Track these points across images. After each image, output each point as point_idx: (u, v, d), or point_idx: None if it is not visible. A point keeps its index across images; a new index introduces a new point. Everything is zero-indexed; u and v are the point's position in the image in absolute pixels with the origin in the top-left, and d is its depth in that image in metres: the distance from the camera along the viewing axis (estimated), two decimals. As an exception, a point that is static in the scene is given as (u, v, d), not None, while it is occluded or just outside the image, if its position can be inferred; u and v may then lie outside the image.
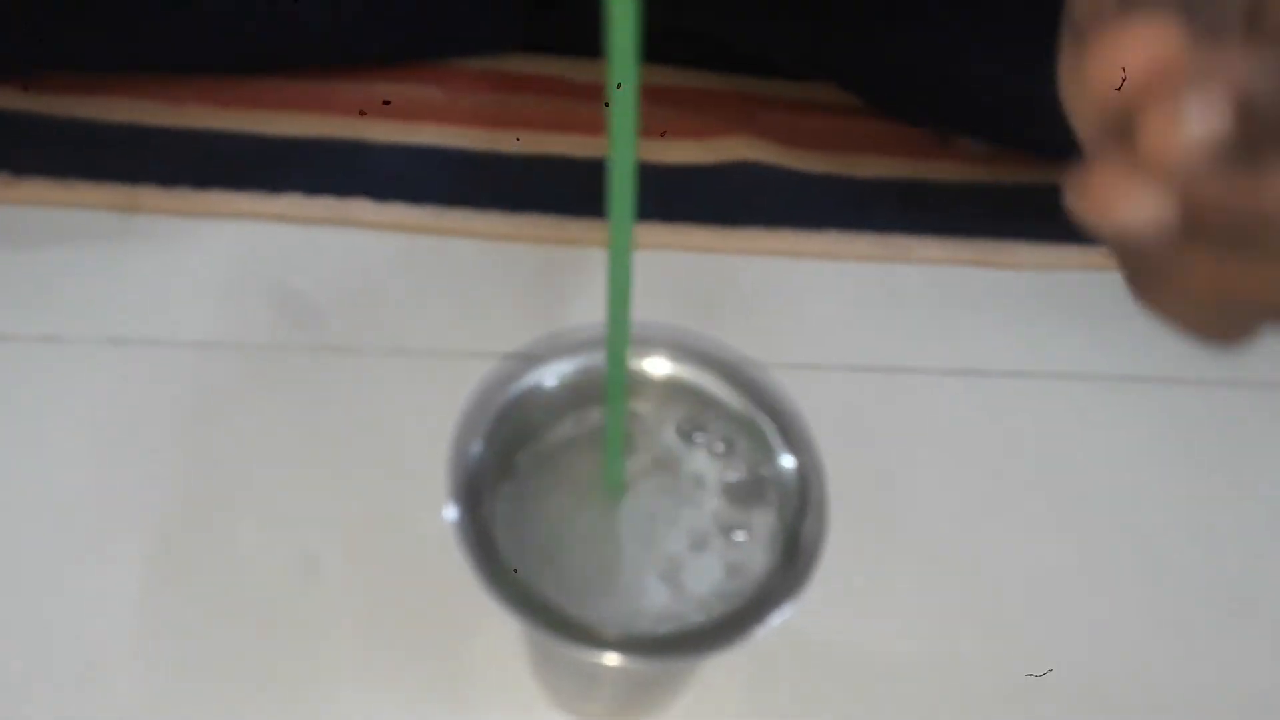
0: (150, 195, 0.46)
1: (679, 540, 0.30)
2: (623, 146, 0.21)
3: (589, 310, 0.45)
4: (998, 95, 0.48)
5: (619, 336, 0.26)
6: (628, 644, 0.26)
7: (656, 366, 0.31)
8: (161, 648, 0.35)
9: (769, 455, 0.30)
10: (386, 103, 0.50)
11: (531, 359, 0.31)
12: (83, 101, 0.49)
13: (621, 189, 0.21)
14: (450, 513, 0.28)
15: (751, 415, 0.31)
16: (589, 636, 0.26)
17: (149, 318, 0.43)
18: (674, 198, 0.49)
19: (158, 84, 0.50)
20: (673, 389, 0.32)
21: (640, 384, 0.31)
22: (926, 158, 0.53)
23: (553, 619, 0.27)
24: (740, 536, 0.29)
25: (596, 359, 0.32)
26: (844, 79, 0.52)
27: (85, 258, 0.44)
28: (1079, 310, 0.49)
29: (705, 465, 0.31)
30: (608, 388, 0.28)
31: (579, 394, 0.32)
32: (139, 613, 0.36)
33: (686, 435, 0.32)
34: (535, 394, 0.31)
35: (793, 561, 0.28)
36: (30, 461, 0.39)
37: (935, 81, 0.49)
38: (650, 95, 0.55)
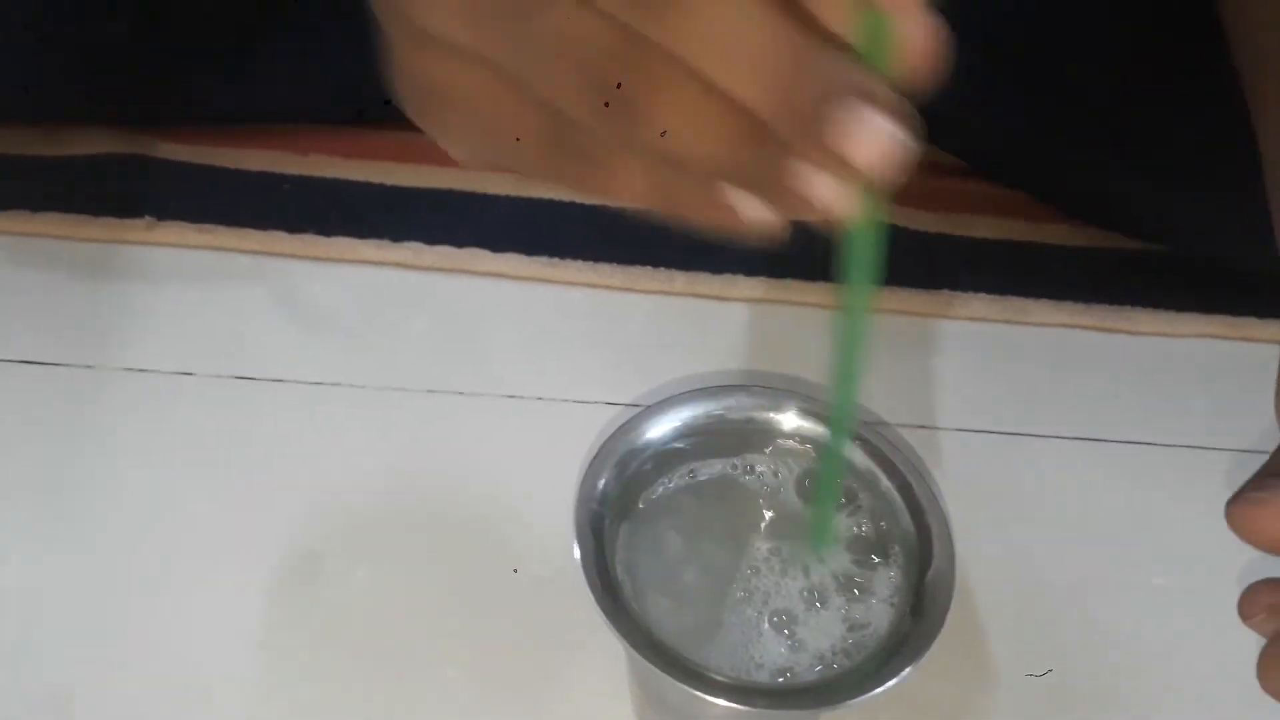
0: (279, 240, 0.48)
1: (798, 593, 0.29)
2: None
3: (693, 362, 0.46)
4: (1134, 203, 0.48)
5: (847, 390, 0.25)
6: (742, 690, 0.26)
7: (786, 420, 0.31)
8: (273, 683, 0.36)
9: (894, 513, 0.30)
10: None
11: (650, 410, 0.32)
12: (219, 151, 0.51)
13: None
14: (576, 550, 0.28)
15: (876, 472, 0.30)
16: (706, 681, 0.26)
17: (275, 356, 0.44)
18: (788, 255, 0.49)
19: (287, 136, 0.52)
20: (798, 443, 0.31)
21: (767, 436, 0.31)
22: (1040, 220, 0.53)
23: (670, 659, 0.26)
24: (862, 593, 0.29)
25: (710, 410, 0.32)
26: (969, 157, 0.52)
27: (218, 298, 0.46)
28: (1199, 379, 0.48)
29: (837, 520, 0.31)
30: (831, 438, 0.27)
31: (695, 447, 0.32)
32: (256, 649, 0.36)
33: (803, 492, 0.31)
34: (652, 444, 0.31)
35: (916, 621, 0.27)
36: (161, 492, 0.40)
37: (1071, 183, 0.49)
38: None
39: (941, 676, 0.37)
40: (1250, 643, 0.38)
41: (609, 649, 0.33)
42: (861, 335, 0.23)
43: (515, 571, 0.38)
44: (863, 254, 0.21)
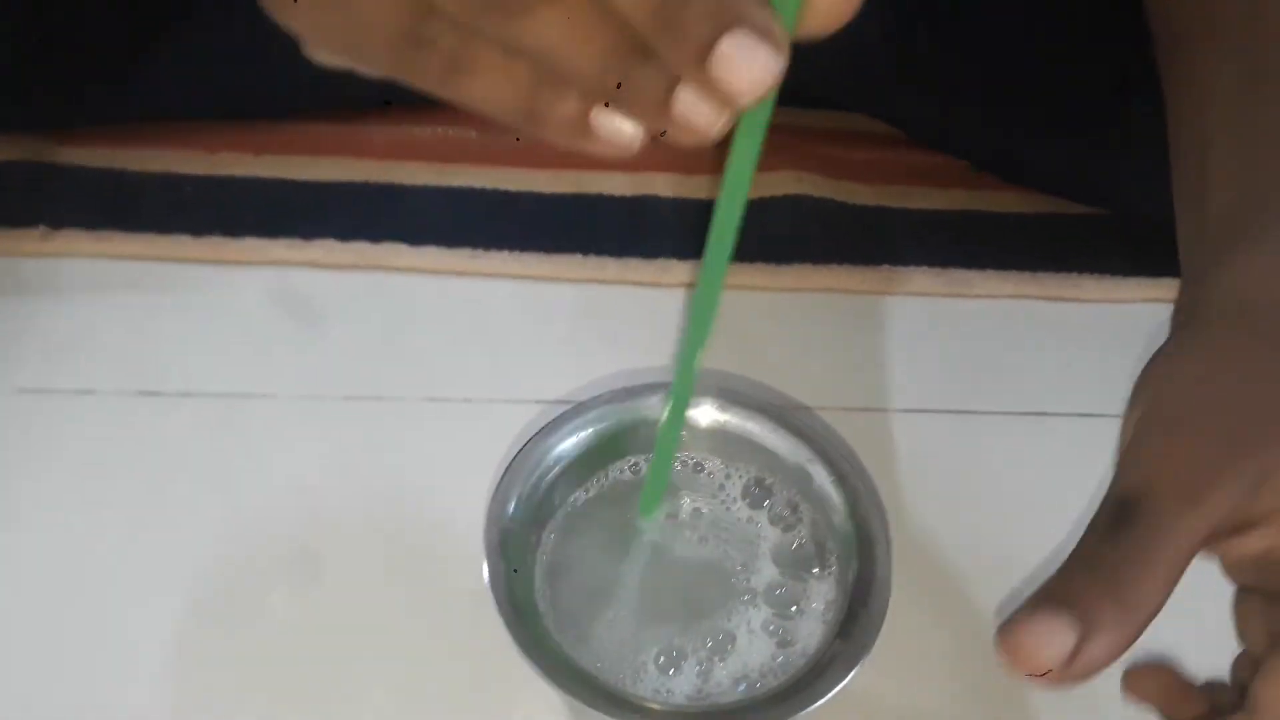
0: (183, 245, 0.45)
1: (726, 609, 0.27)
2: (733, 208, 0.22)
3: (628, 352, 0.44)
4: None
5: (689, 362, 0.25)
6: (665, 715, 0.24)
7: (703, 415, 0.30)
8: (191, 711, 0.34)
9: (829, 512, 0.28)
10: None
11: (563, 417, 0.30)
12: (116, 153, 0.48)
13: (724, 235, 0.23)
14: (486, 573, 0.26)
15: (807, 470, 0.29)
16: (628, 708, 0.24)
17: (182, 369, 0.42)
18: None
19: (190, 133, 0.49)
20: (727, 439, 0.30)
21: (692, 434, 0.30)
22: (983, 188, 0.51)
23: (588, 684, 0.25)
24: (794, 609, 0.27)
25: (628, 411, 0.30)
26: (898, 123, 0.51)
27: (119, 309, 0.43)
28: (1148, 345, 0.46)
29: (766, 531, 0.29)
30: (670, 407, 0.26)
31: (606, 452, 0.30)
32: (174, 674, 0.34)
33: (754, 500, 0.30)
34: (566, 453, 0.29)
35: (848, 636, 0.26)
36: (63, 519, 0.37)
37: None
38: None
39: (886, 671, 0.35)
40: (1207, 606, 0.37)
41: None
42: (719, 283, 0.23)
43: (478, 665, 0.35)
44: (732, 188, 0.21)
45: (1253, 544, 0.25)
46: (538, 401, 0.42)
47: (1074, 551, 0.24)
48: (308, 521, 0.38)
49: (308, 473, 0.39)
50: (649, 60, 0.19)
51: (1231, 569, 0.27)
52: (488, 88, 0.20)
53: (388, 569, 0.37)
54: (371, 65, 0.22)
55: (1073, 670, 0.22)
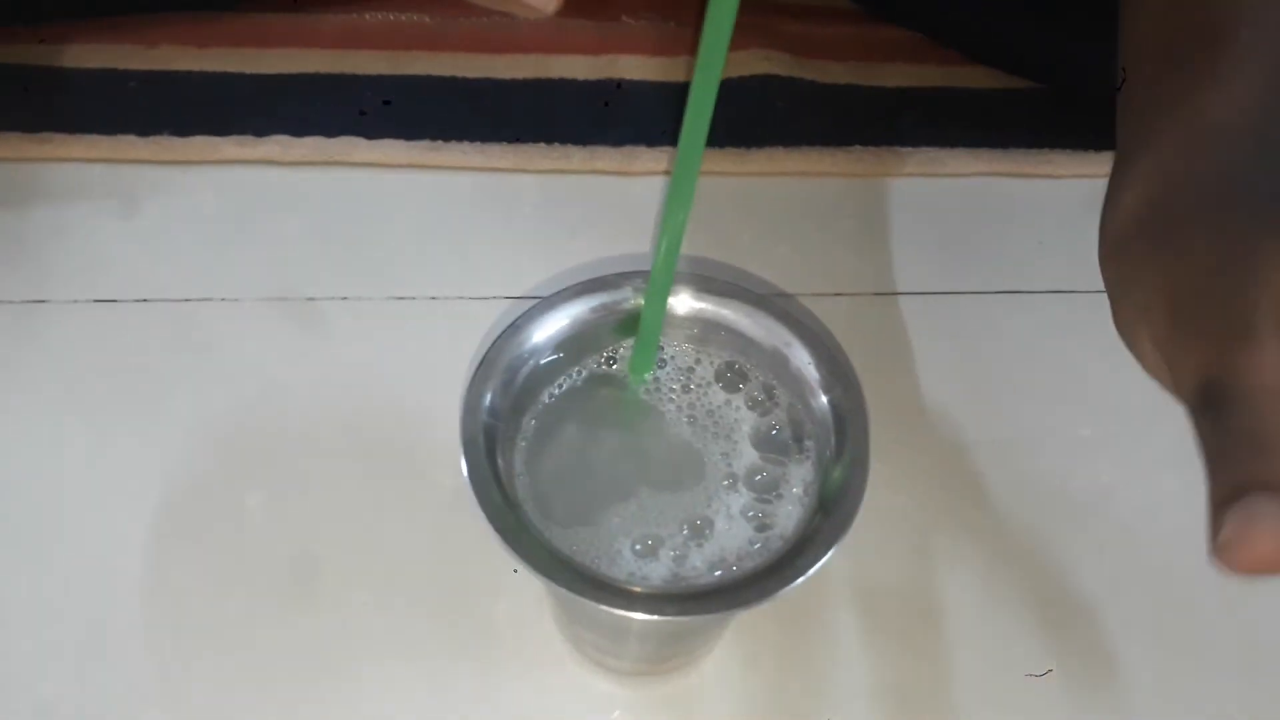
0: (129, 145, 0.43)
1: (706, 496, 0.27)
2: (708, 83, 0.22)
3: (596, 244, 0.43)
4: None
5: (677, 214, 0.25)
6: (650, 599, 0.24)
7: (680, 303, 0.29)
8: (170, 617, 0.33)
9: (805, 395, 0.28)
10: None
11: (536, 309, 0.29)
12: (53, 50, 0.46)
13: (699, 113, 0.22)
14: (464, 466, 0.26)
15: (783, 352, 0.28)
16: (610, 592, 0.24)
17: (138, 275, 0.40)
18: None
19: (130, 27, 0.47)
20: (703, 327, 0.29)
21: (669, 321, 0.29)
22: (955, 65, 0.50)
23: (573, 573, 0.25)
24: (773, 494, 0.27)
25: (601, 302, 0.29)
26: None
27: (66, 215, 0.42)
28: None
29: (742, 415, 0.29)
30: (656, 273, 0.26)
31: (587, 343, 0.29)
32: (145, 581, 0.34)
33: (729, 384, 0.29)
34: (541, 345, 0.29)
35: (828, 514, 0.26)
36: (25, 433, 0.37)
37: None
38: (652, 6, 0.51)
39: (866, 552, 0.36)
40: (1175, 490, 0.38)
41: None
42: (700, 140, 0.23)
43: (515, 572, 0.35)
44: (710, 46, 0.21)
45: None
46: (506, 298, 0.41)
47: (1206, 459, 0.22)
48: (278, 424, 0.37)
49: (275, 376, 0.38)
50: None
51: None
52: None
53: (362, 469, 0.37)
54: None
55: None
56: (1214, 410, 0.22)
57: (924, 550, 0.37)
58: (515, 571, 0.32)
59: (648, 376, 0.29)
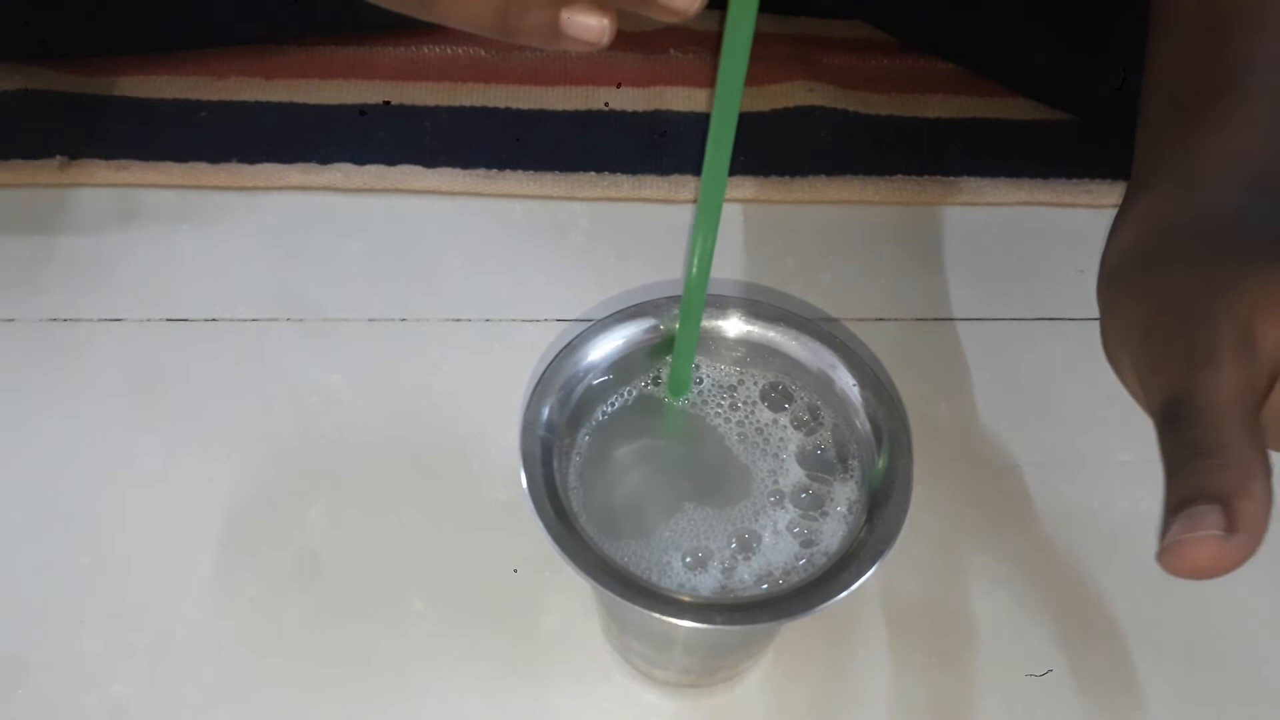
0: (200, 172, 0.45)
1: (753, 512, 0.28)
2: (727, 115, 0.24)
3: (645, 269, 0.44)
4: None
5: (707, 232, 0.26)
6: (699, 608, 0.25)
7: (731, 326, 0.30)
8: (235, 625, 0.35)
9: (849, 415, 0.29)
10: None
11: (592, 329, 0.30)
12: (130, 81, 0.49)
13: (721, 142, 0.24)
14: (524, 478, 0.27)
15: (829, 375, 0.29)
16: (661, 600, 0.25)
17: (206, 295, 0.42)
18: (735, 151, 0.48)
19: (201, 60, 0.49)
20: (750, 349, 0.30)
21: (717, 344, 0.30)
22: (995, 95, 0.51)
23: (625, 582, 0.26)
24: (819, 512, 0.28)
25: (653, 325, 0.31)
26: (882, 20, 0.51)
27: (141, 238, 0.44)
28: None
29: (789, 435, 0.30)
30: (688, 295, 0.27)
31: (632, 364, 0.31)
32: (213, 588, 0.35)
33: (774, 403, 0.30)
34: (596, 364, 0.30)
35: (870, 533, 0.26)
36: (99, 446, 0.38)
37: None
38: (699, 40, 0.52)
39: (908, 571, 0.36)
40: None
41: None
42: (726, 157, 0.24)
43: (515, 571, 0.36)
44: (728, 76, 0.23)
45: None
46: (557, 320, 0.42)
47: (1165, 470, 0.25)
48: (339, 440, 0.39)
49: (336, 393, 0.40)
50: None
51: None
52: (463, 7, 0.23)
53: (418, 482, 0.38)
54: None
55: (1242, 540, 0.22)
56: (1174, 426, 0.24)
57: (964, 570, 0.37)
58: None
59: (686, 396, 0.30)
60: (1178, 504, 0.23)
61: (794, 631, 0.35)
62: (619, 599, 0.25)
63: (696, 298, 0.28)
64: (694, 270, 0.27)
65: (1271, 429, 0.25)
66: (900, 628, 0.36)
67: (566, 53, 0.51)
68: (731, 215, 0.46)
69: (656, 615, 0.25)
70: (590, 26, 0.22)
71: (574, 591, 0.36)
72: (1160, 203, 0.30)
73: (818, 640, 0.35)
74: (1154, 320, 0.27)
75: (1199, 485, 0.23)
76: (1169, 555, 0.23)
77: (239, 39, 0.50)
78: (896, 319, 0.43)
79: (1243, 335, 0.24)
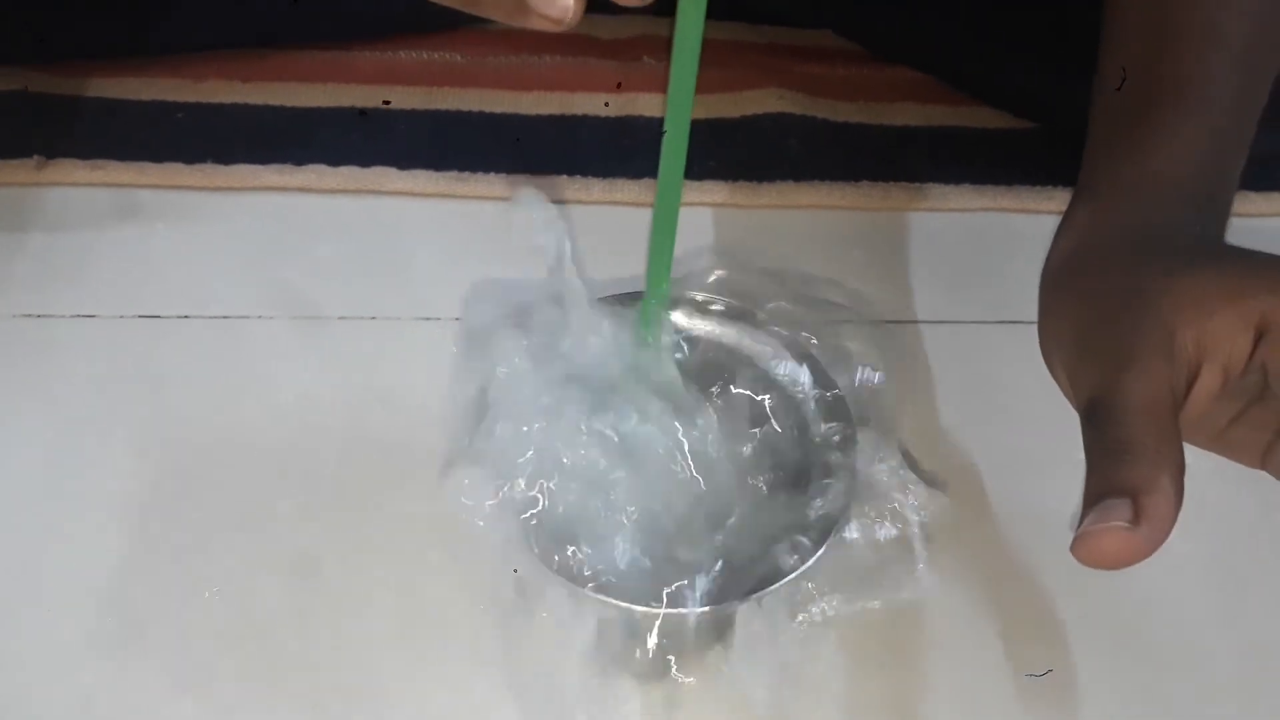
0: (176, 172, 0.46)
1: (722, 514, 0.29)
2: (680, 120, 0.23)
3: (615, 270, 0.45)
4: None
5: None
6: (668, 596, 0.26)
7: (695, 326, 0.31)
8: (204, 615, 0.35)
9: (807, 424, 0.30)
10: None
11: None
12: (108, 83, 0.49)
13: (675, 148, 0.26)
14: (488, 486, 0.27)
15: (791, 375, 0.30)
16: (619, 591, 0.26)
17: (180, 293, 0.43)
18: (700, 154, 0.48)
19: (180, 62, 0.50)
20: (712, 348, 0.31)
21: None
22: (961, 104, 0.52)
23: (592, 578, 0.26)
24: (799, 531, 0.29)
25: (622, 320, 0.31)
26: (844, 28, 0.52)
27: (116, 236, 0.44)
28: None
29: (754, 442, 0.30)
30: (655, 231, 0.28)
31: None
32: (182, 580, 0.35)
33: (743, 409, 0.31)
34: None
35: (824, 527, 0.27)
36: (71, 441, 0.39)
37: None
38: (670, 48, 0.53)
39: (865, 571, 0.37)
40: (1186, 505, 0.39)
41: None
42: (684, 137, 0.24)
43: (515, 571, 0.36)
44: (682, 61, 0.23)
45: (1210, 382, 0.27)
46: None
47: (1086, 464, 0.26)
48: (310, 435, 0.39)
49: (308, 389, 0.40)
50: None
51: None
52: None
53: (389, 479, 0.38)
54: None
55: (1146, 532, 0.24)
56: (1095, 424, 0.25)
57: (933, 568, 0.38)
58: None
59: (655, 336, 0.30)
60: (1092, 498, 0.24)
61: (764, 640, 0.35)
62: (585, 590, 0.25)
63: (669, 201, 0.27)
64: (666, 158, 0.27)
65: (1191, 427, 0.26)
66: (856, 625, 0.36)
67: (540, 57, 0.51)
68: (701, 219, 0.47)
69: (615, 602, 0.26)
70: (555, 3, 0.22)
71: (544, 587, 0.36)
72: (1099, 211, 0.31)
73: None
74: (1085, 323, 0.28)
75: (1111, 480, 0.24)
76: (1080, 545, 0.24)
77: (220, 44, 0.50)
78: (859, 322, 0.44)
79: (1164, 339, 0.26)
